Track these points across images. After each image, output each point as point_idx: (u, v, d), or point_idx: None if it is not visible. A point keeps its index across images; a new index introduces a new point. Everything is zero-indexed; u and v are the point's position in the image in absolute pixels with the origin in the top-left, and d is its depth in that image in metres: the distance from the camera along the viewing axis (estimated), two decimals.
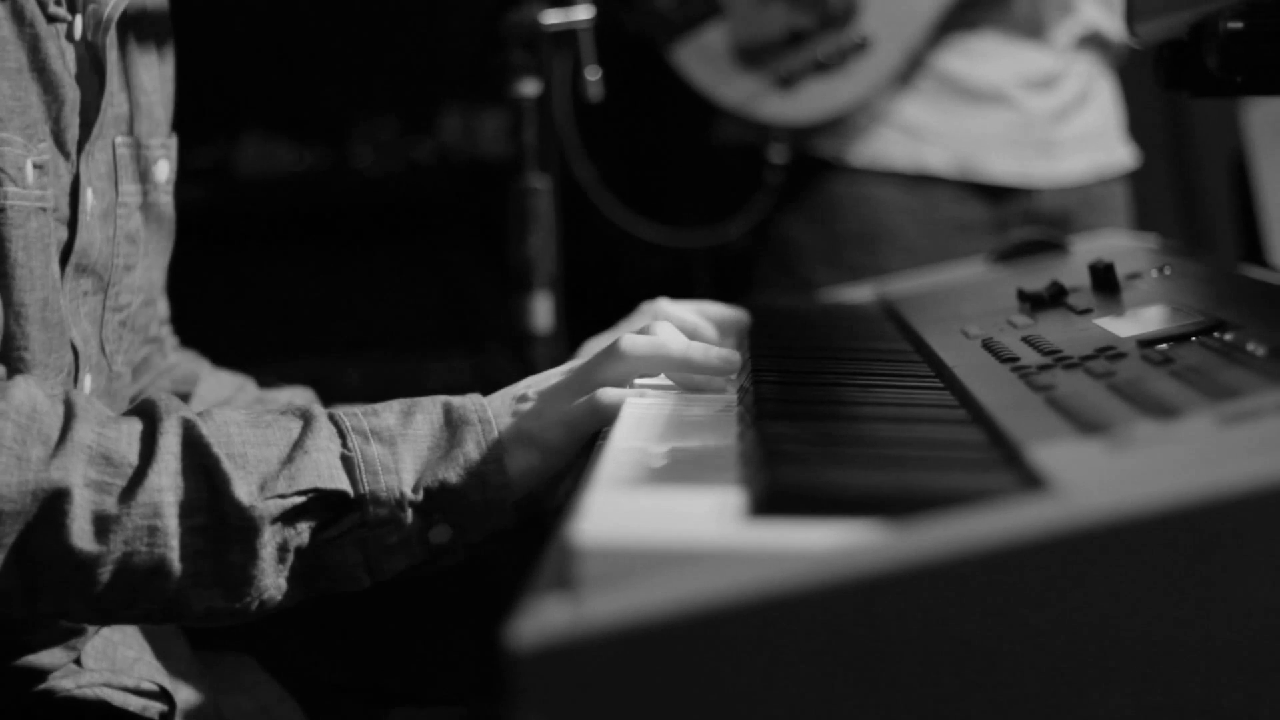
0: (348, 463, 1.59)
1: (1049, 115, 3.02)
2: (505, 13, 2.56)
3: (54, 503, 1.49)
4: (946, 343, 1.78)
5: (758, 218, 3.02)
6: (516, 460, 1.63)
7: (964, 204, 3.00)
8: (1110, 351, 1.48)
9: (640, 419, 1.56)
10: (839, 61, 2.95)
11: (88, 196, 1.75)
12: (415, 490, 1.60)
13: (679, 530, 1.10)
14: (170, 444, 1.54)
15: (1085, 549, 0.99)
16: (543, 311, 2.62)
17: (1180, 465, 1.06)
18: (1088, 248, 2.28)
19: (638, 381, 1.71)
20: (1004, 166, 3.00)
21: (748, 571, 1.01)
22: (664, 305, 1.96)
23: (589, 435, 1.66)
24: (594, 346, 1.98)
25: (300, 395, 2.13)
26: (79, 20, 1.76)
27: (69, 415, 1.53)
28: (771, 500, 1.12)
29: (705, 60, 3.00)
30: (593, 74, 2.63)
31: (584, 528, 1.09)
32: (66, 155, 1.71)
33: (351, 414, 1.63)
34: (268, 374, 2.17)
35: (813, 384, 1.65)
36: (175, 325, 2.15)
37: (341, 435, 1.60)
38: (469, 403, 1.65)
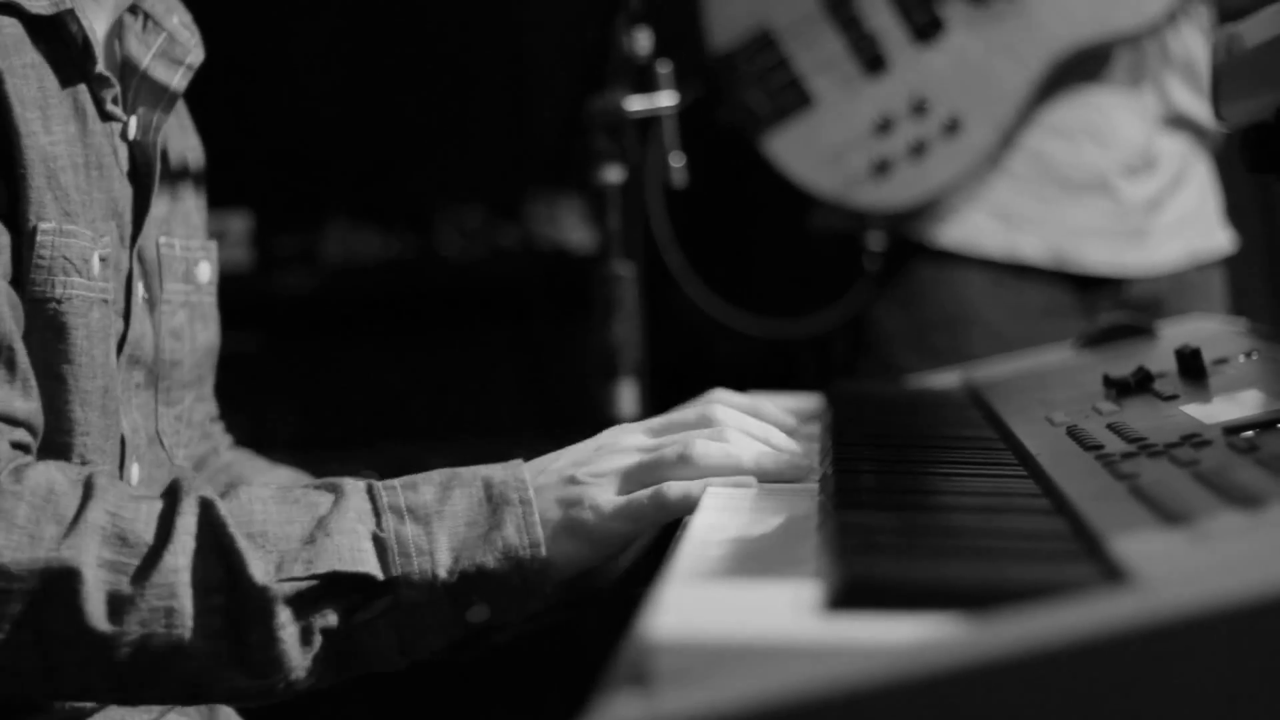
0: (380, 544, 1.57)
1: (1145, 203, 3.00)
2: (589, 99, 2.57)
3: (65, 581, 1.50)
4: (1031, 430, 1.76)
5: (855, 306, 3.01)
6: (561, 548, 1.61)
7: (1053, 290, 2.98)
8: (1195, 439, 1.46)
9: (719, 509, 1.55)
10: (931, 145, 2.94)
11: (138, 290, 1.79)
12: (451, 574, 1.58)
13: (754, 625, 1.09)
14: (188, 524, 1.54)
15: (1166, 643, 0.98)
16: (627, 399, 2.61)
17: (1264, 556, 1.04)
18: (1175, 332, 2.26)
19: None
20: (1098, 256, 2.98)
21: (822, 667, 1.00)
22: (727, 411, 1.81)
23: (649, 530, 1.65)
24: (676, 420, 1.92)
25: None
26: (133, 121, 1.80)
27: (86, 496, 1.54)
28: (848, 593, 1.11)
29: (798, 150, 3.00)
30: (677, 161, 2.64)
31: (659, 623, 1.08)
32: (122, 249, 1.75)
33: (390, 488, 1.61)
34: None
35: (895, 472, 1.64)
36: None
37: (376, 513, 1.58)
38: (510, 479, 1.62)
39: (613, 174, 2.58)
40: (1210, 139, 3.10)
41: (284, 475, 2.13)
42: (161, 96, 1.83)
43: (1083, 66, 2.97)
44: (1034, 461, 1.59)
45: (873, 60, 2.98)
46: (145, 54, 1.83)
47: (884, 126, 2.96)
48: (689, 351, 2.40)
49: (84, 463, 1.67)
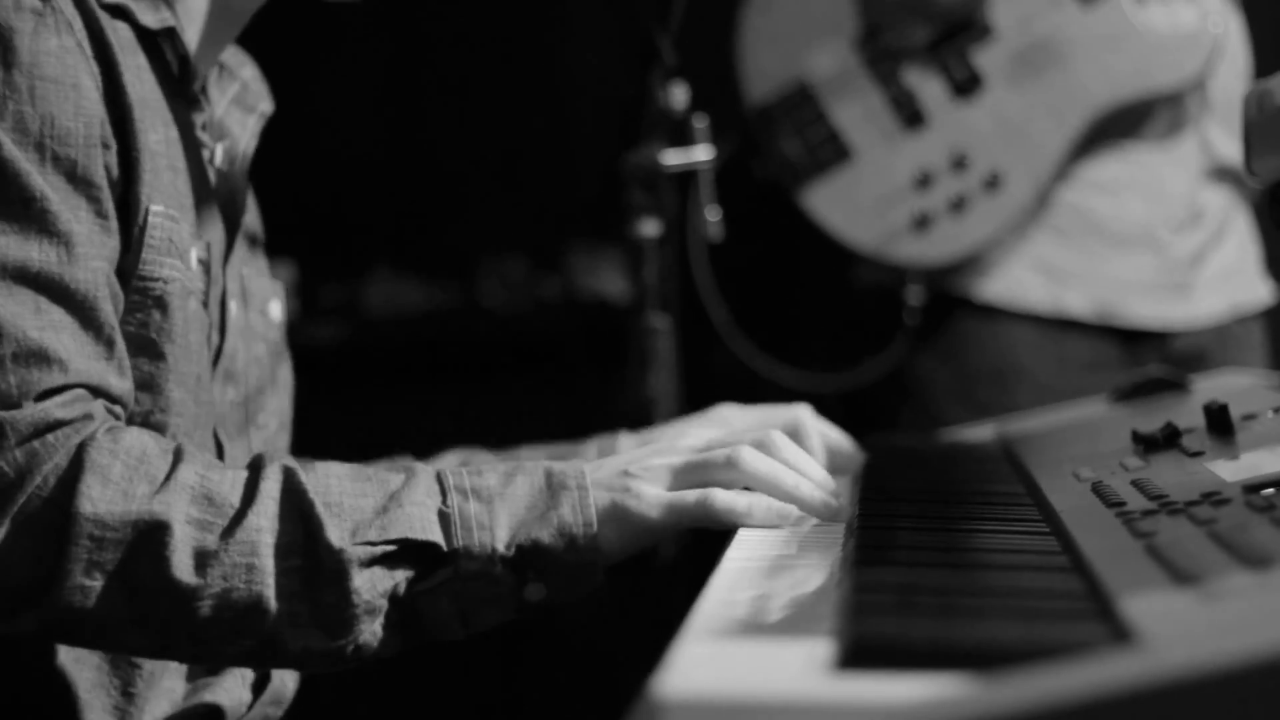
0: (444, 518, 1.66)
1: (1189, 256, 3.00)
2: (625, 153, 2.58)
3: (155, 534, 1.58)
4: (1057, 485, 1.77)
5: (895, 360, 3.02)
6: (608, 532, 1.69)
7: (1098, 343, 2.98)
8: (1215, 497, 1.46)
9: (745, 559, 1.57)
10: (971, 200, 2.95)
11: (232, 308, 1.91)
12: (508, 547, 1.66)
13: (763, 684, 1.10)
14: (270, 489, 1.63)
15: (1167, 703, 0.98)
16: None
17: (1268, 617, 1.04)
18: (1208, 386, 2.26)
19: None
20: (1143, 310, 2.98)
21: None
22: (783, 437, 1.85)
23: (689, 526, 1.71)
24: (723, 416, 2.16)
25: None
26: (219, 149, 1.92)
27: (176, 460, 1.63)
28: (857, 653, 1.12)
29: (837, 204, 3.01)
30: (713, 215, 2.65)
31: (669, 682, 1.08)
32: (215, 262, 1.87)
33: (457, 472, 1.70)
34: None
35: (918, 528, 1.65)
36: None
37: (443, 492, 1.67)
38: (570, 469, 1.71)
39: (649, 228, 2.58)
40: (1250, 190, 3.10)
41: None
42: (243, 133, 1.96)
43: (1123, 121, 2.97)
44: (1057, 518, 1.60)
45: (912, 115, 2.99)
46: (222, 100, 1.96)
47: (924, 181, 2.97)
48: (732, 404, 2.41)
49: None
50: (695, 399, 2.56)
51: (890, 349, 3.01)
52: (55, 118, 1.65)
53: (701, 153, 2.59)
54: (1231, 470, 1.59)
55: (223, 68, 1.99)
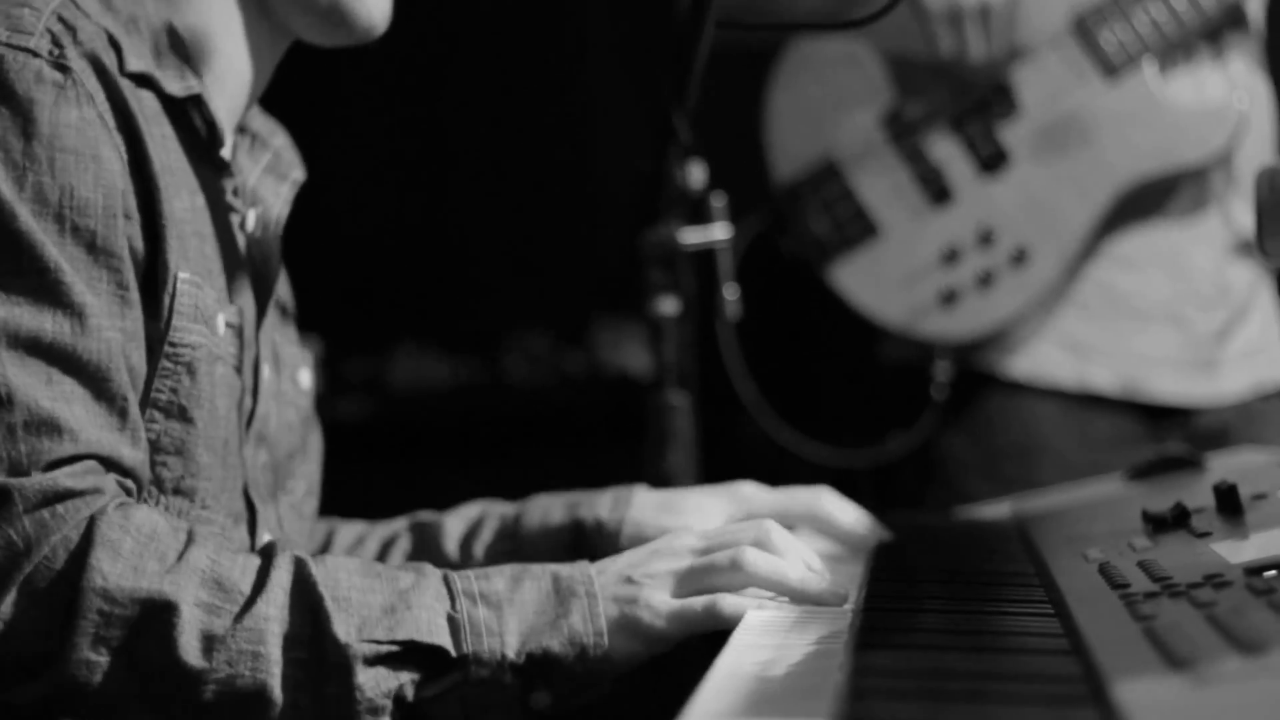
0: (453, 623, 1.67)
1: (1215, 334, 3.00)
2: (644, 231, 2.58)
3: (163, 614, 1.60)
4: (1065, 565, 1.77)
5: (922, 436, 3.01)
6: (618, 643, 1.69)
7: (1122, 419, 2.97)
8: (1217, 579, 1.46)
9: (751, 645, 1.57)
10: (998, 276, 2.95)
11: (265, 372, 1.92)
12: (519, 655, 1.67)
13: None
14: (281, 578, 1.64)
15: None
16: None
17: (1255, 703, 1.04)
18: (1224, 465, 2.25)
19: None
20: (1168, 386, 2.97)
21: None
22: (781, 531, 1.86)
23: (698, 632, 1.71)
24: (743, 494, 2.13)
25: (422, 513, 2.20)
26: (252, 215, 1.94)
27: (188, 541, 1.65)
28: None
29: (864, 280, 3.01)
30: (731, 293, 2.65)
31: None
32: (247, 327, 1.88)
33: (464, 576, 1.70)
34: None
35: (923, 610, 1.65)
36: None
37: (451, 596, 1.68)
38: (577, 574, 1.72)
39: (667, 305, 2.58)
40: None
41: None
42: (276, 200, 1.97)
43: (1148, 197, 2.97)
44: (1062, 599, 1.60)
45: (939, 191, 2.99)
46: (254, 169, 1.98)
47: (951, 257, 2.97)
48: (756, 481, 2.40)
49: (204, 508, 1.78)
50: (721, 475, 2.56)
51: (917, 425, 3.01)
52: (75, 188, 1.66)
53: (720, 231, 2.59)
54: (1236, 551, 1.58)
55: (255, 137, 2.01)
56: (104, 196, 1.68)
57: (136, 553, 1.61)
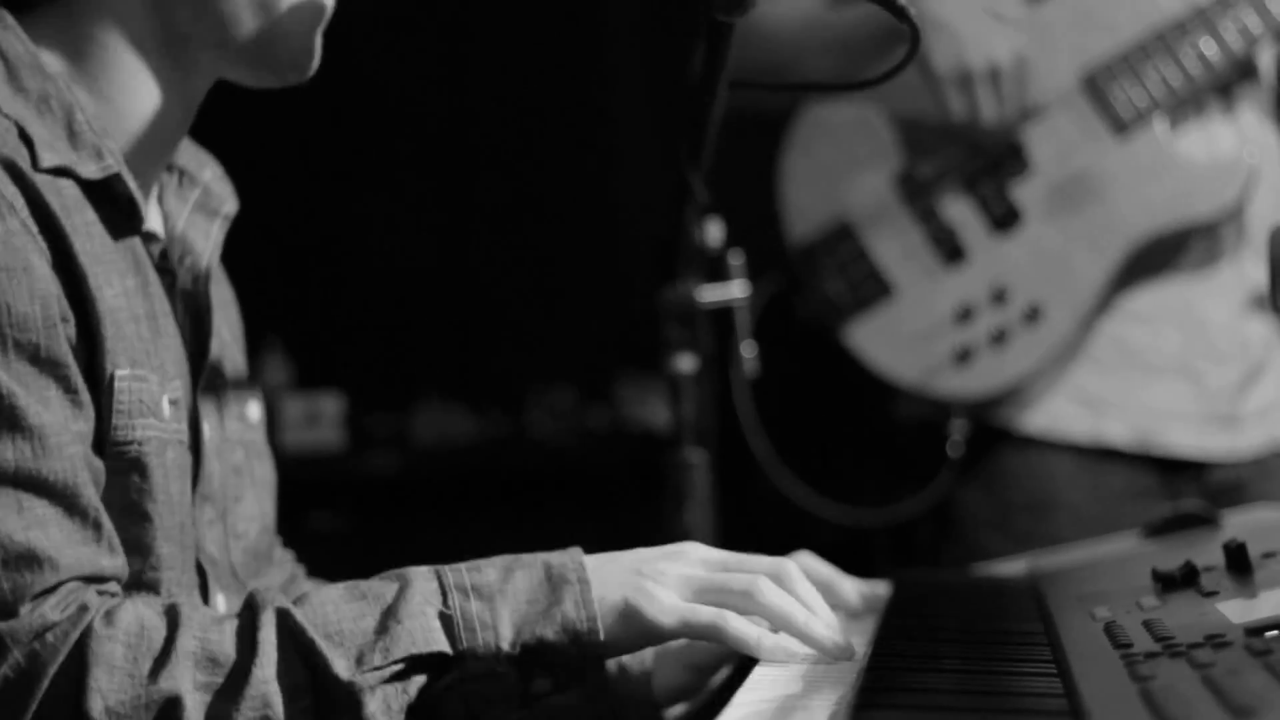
0: (446, 621, 1.68)
1: (1229, 388, 3.01)
2: (662, 289, 2.60)
3: (170, 711, 1.61)
4: (1072, 624, 1.78)
5: (939, 493, 3.03)
6: (616, 628, 1.71)
7: (1137, 473, 2.99)
8: (1218, 639, 1.47)
9: (756, 703, 1.59)
10: (1012, 333, 2.97)
11: (205, 430, 1.90)
12: (513, 645, 1.68)
13: None
14: (268, 635, 1.65)
15: None
16: None
17: None
18: (1238, 522, 2.27)
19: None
20: (1183, 440, 2.99)
21: None
22: (799, 573, 1.88)
23: (694, 638, 1.74)
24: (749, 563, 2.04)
25: None
26: (182, 271, 1.93)
27: (173, 625, 1.65)
28: None
29: (879, 340, 3.03)
30: (749, 351, 2.67)
31: None
32: (184, 392, 1.87)
33: (455, 570, 1.71)
34: None
35: (927, 669, 1.66)
36: None
37: (443, 592, 1.68)
38: (569, 561, 1.73)
39: (685, 363, 2.61)
40: None
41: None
42: (205, 247, 1.95)
43: (1161, 251, 2.99)
44: (1065, 659, 1.61)
45: (952, 250, 3.02)
46: (183, 209, 1.97)
47: (965, 315, 2.99)
48: (773, 539, 2.42)
49: (169, 596, 1.78)
50: (738, 532, 2.58)
51: (934, 482, 3.02)
52: (11, 305, 1.65)
53: (737, 289, 2.61)
54: (1241, 611, 1.60)
55: (183, 173, 1.99)
56: (41, 306, 1.66)
57: (129, 658, 1.61)
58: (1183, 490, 2.97)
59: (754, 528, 3.03)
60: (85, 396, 1.70)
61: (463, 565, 1.72)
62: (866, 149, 3.08)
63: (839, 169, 3.09)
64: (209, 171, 2.05)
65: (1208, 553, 1.93)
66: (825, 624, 1.78)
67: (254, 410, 2.08)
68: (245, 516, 2.01)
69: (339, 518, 3.49)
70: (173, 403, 1.81)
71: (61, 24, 1.84)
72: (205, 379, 1.92)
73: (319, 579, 2.25)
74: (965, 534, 3.01)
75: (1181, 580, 1.85)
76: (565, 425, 4.24)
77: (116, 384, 1.73)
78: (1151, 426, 2.98)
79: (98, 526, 1.68)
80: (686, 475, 2.60)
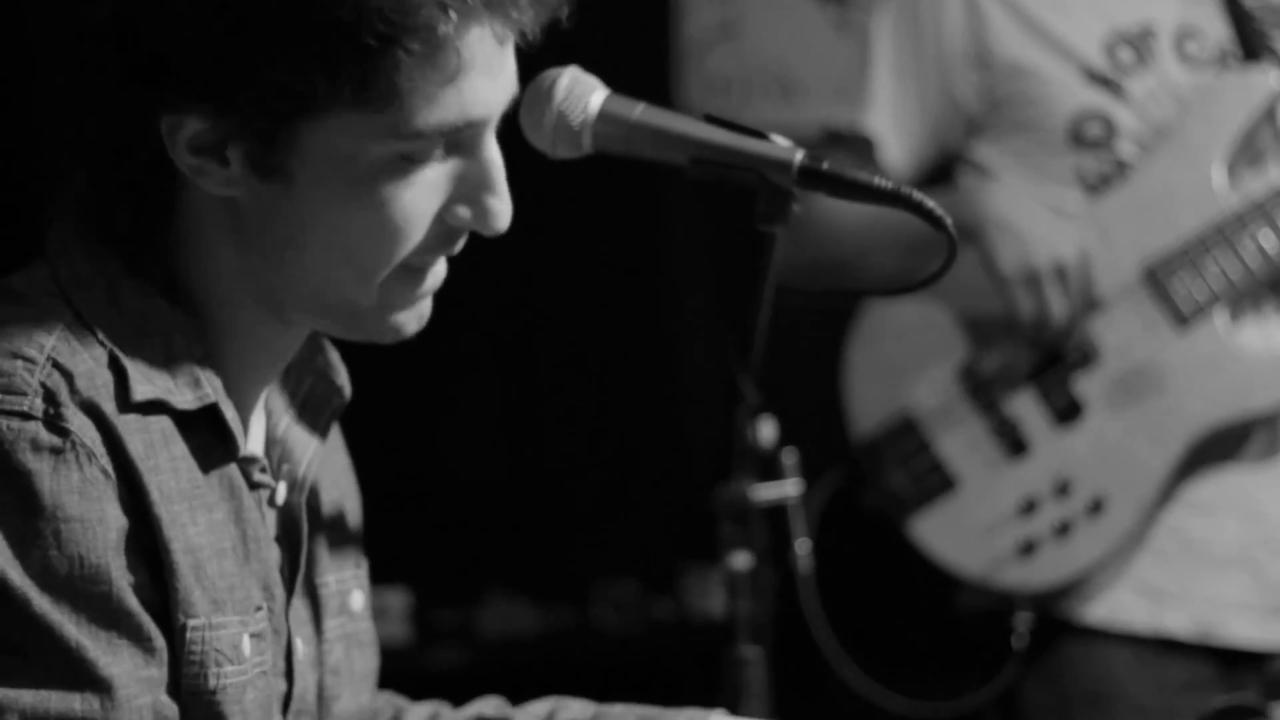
0: None
1: None
2: (716, 487, 2.61)
3: None
4: None
5: (1004, 685, 3.01)
6: None
7: (1197, 665, 2.97)
8: None
9: None
10: (1075, 525, 2.97)
11: (298, 647, 1.84)
12: None
13: None
14: None
15: None
16: None
17: None
18: None
19: None
20: (1244, 632, 2.97)
21: None
22: None
23: None
24: None
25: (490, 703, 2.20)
26: (281, 487, 1.85)
27: None
28: None
29: (943, 533, 3.04)
30: (803, 548, 2.67)
31: None
32: (275, 614, 1.81)
33: None
34: None
35: None
36: None
37: None
38: None
39: (740, 560, 2.61)
40: None
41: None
42: (307, 448, 1.88)
43: (1222, 444, 2.99)
44: None
45: (1015, 444, 3.02)
46: (288, 408, 1.90)
47: (1028, 508, 2.99)
48: None
49: None
50: None
51: (1000, 675, 3.01)
52: (84, 557, 1.62)
53: (792, 487, 2.62)
54: None
55: (290, 367, 1.89)
56: (113, 557, 1.64)
57: None
58: (1244, 682, 2.95)
59: None
60: (159, 643, 1.67)
61: None
62: (930, 345, 3.10)
63: (903, 363, 3.11)
64: (323, 357, 1.95)
65: None
66: None
67: (357, 600, 1.98)
68: (340, 715, 1.95)
69: None
70: (255, 636, 1.76)
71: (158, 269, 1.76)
72: (295, 594, 1.86)
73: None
74: None
75: None
76: (629, 618, 4.24)
77: (189, 635, 1.69)
78: (1212, 618, 2.96)
79: None
80: (743, 672, 2.60)
